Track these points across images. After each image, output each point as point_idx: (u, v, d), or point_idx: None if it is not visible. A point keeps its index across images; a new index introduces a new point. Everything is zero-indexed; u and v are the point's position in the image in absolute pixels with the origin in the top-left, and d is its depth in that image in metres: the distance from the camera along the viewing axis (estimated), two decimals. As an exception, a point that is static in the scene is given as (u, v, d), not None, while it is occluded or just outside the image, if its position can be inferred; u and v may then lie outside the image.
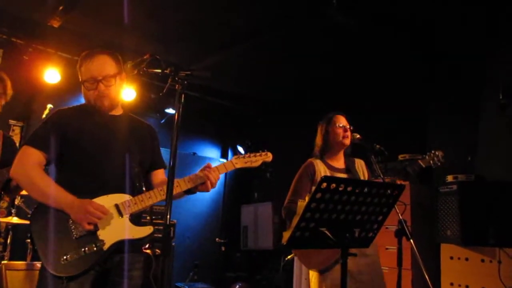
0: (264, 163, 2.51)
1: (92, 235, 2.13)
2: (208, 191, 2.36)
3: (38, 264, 4.15)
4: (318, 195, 2.13)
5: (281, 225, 7.00)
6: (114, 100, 2.42)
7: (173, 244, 6.05)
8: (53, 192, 2.14)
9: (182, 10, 5.00)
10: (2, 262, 4.15)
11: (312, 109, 6.62)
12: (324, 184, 2.11)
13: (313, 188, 3.17)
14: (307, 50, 5.68)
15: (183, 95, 1.86)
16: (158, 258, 4.81)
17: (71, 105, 2.49)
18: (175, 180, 2.20)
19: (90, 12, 5.18)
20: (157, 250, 4.71)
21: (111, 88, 2.36)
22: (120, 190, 2.25)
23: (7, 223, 4.49)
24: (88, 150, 2.26)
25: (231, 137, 8.18)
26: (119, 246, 2.18)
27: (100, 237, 2.14)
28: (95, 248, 2.11)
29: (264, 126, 7.84)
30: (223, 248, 6.79)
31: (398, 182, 3.20)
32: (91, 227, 2.12)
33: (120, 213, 2.21)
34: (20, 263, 4.27)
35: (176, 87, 1.89)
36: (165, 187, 2.04)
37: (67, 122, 2.32)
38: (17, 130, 5.62)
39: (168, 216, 1.67)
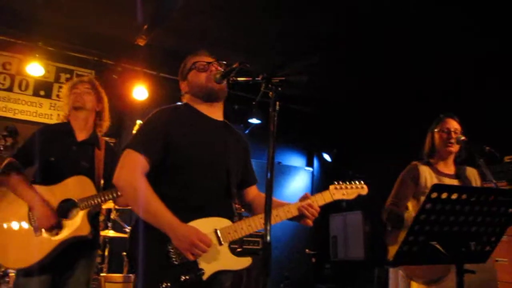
0: (360, 196, 2.39)
1: (192, 263, 2.01)
2: (309, 225, 2.25)
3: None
4: (428, 206, 1.92)
5: (373, 234, 6.69)
6: (225, 92, 2.30)
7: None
8: (156, 211, 1.99)
9: (264, 20, 4.97)
10: (101, 274, 4.29)
11: (405, 111, 6.30)
12: (435, 194, 1.89)
13: (420, 196, 2.98)
14: (395, 51, 5.40)
15: (277, 103, 1.73)
16: (249, 272, 4.75)
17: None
18: (275, 210, 2.11)
19: (174, 29, 5.31)
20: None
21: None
22: (220, 213, 2.12)
23: (104, 236, 4.65)
24: (192, 161, 2.11)
25: (316, 144, 7.99)
26: (217, 274, 2.06)
27: (200, 266, 2.01)
28: (194, 278, 1.99)
29: (350, 132, 7.57)
30: (313, 259, 6.59)
31: None
32: (194, 258, 1.99)
33: (219, 240, 2.07)
34: (117, 276, 4.39)
35: (270, 95, 1.77)
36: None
37: (169, 123, 2.15)
38: (110, 146, 5.87)
39: (267, 234, 1.54)
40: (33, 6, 5.04)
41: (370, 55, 5.60)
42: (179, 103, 2.38)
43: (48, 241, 2.69)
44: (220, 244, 2.07)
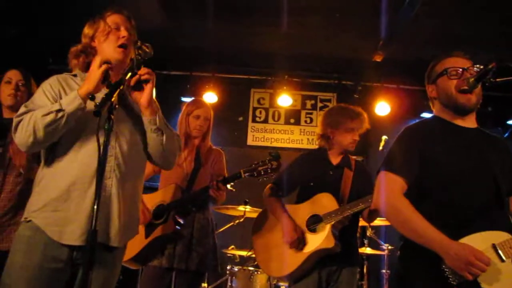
0: None
1: (472, 284, 1.84)
2: None
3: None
4: None
5: None
6: (476, 104, 2.09)
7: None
8: (423, 230, 1.91)
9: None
10: (362, 291, 4.34)
11: None
12: None
13: None
14: None
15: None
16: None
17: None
18: None
19: (410, 39, 5.15)
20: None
21: None
22: (493, 225, 1.91)
23: (361, 254, 4.69)
24: (452, 175, 2.01)
25: None
26: None
27: (482, 286, 1.83)
28: None
29: None
30: None
31: None
32: (473, 278, 1.82)
33: (500, 257, 1.85)
34: (378, 294, 4.37)
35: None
36: None
37: (423, 141, 2.09)
38: (358, 165, 6.00)
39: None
40: (274, 45, 5.59)
41: None
42: (428, 117, 2.28)
43: (299, 254, 2.99)
44: (502, 261, 1.84)
